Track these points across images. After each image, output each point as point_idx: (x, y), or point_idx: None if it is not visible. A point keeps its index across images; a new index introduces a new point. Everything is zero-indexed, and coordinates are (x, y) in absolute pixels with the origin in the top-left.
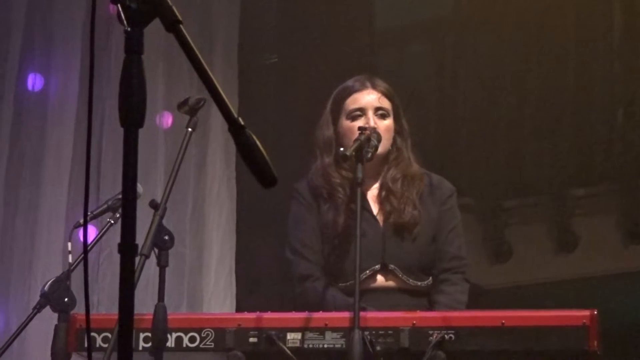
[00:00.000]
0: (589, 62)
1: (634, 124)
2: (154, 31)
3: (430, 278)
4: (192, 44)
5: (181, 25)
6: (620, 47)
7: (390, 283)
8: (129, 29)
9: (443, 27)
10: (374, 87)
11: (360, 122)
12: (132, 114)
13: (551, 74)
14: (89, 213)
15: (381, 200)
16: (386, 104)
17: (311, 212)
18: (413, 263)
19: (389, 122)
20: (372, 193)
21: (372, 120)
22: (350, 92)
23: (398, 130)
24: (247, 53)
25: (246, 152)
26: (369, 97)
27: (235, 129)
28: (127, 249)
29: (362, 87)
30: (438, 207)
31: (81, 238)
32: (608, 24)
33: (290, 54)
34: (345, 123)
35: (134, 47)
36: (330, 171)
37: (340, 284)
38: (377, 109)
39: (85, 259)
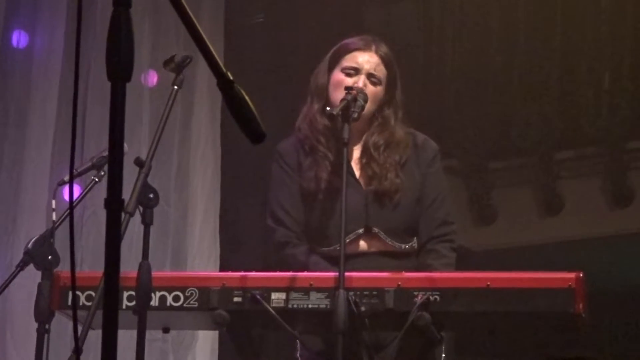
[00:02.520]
0: (576, 24)
1: (620, 87)
2: None
3: (415, 239)
4: None
5: None
6: (608, 10)
7: (375, 246)
8: None
9: None
10: (377, 51)
11: (350, 80)
12: (120, 68)
13: (539, 35)
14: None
15: (362, 165)
16: (381, 72)
17: (291, 177)
18: (397, 226)
19: (377, 89)
20: (355, 155)
21: (362, 82)
22: (352, 48)
23: (387, 100)
24: (233, 12)
25: (235, 107)
26: (367, 60)
27: (224, 83)
28: (114, 204)
29: (365, 48)
30: (423, 169)
31: (65, 195)
32: None
33: (276, 13)
34: (338, 76)
35: (122, 0)
36: (317, 117)
37: (323, 249)
38: (370, 74)
39: (70, 217)
